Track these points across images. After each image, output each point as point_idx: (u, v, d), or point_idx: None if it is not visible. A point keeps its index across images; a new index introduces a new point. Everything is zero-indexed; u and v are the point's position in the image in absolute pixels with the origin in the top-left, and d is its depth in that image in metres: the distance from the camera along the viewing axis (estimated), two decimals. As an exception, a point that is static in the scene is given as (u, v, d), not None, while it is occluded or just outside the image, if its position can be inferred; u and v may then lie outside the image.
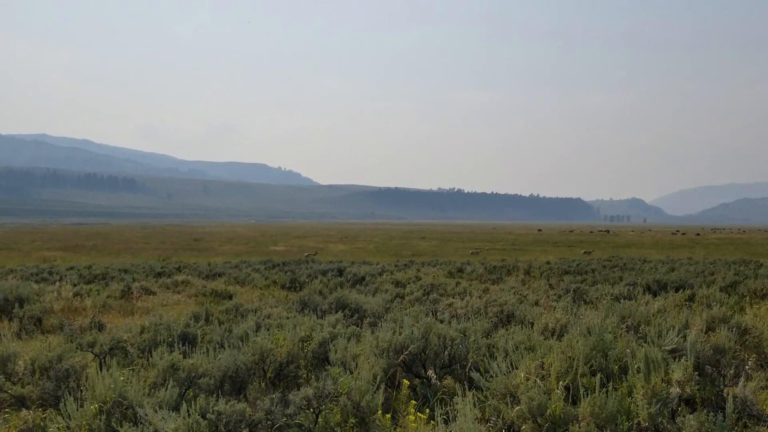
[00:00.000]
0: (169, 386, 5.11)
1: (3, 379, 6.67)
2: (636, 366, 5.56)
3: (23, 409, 6.13)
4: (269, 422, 4.79)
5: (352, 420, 5.07)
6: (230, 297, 16.17)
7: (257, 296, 16.86)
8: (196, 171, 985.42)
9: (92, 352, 7.33)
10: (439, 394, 6.35)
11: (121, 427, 4.47)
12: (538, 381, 5.50)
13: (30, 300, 12.70)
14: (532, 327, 8.58)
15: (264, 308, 11.71)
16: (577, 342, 6.37)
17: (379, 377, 5.70)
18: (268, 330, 8.40)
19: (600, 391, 4.99)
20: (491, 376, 5.89)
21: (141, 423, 4.53)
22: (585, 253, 45.47)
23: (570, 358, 6.01)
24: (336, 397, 5.22)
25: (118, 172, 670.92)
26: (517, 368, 5.96)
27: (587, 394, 5.03)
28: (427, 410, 5.40)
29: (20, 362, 7.38)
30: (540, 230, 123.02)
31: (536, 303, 12.90)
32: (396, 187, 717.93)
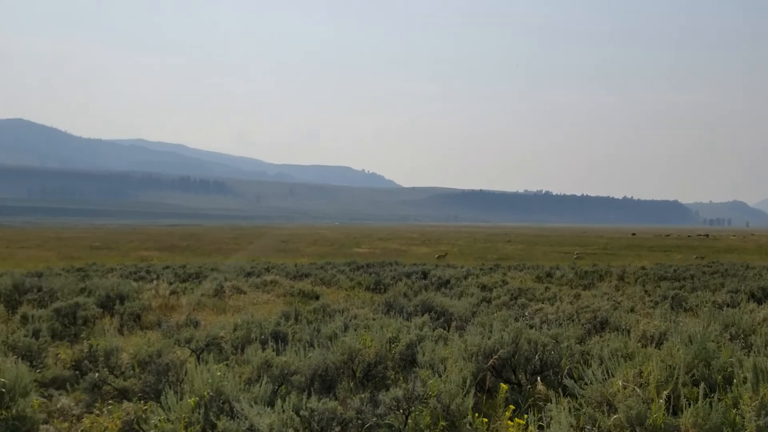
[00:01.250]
0: (263, 382, 5.27)
1: (106, 372, 7.08)
2: (743, 376, 5.27)
3: (125, 401, 6.48)
4: (359, 421, 4.85)
5: (443, 423, 5.06)
6: (317, 297, 16.49)
7: (343, 297, 17.13)
8: (283, 174, 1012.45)
9: (189, 348, 7.66)
10: (530, 400, 6.23)
11: (219, 420, 4.65)
12: (637, 389, 5.30)
13: (130, 297, 13.40)
14: (628, 334, 8.28)
15: (350, 309, 11.87)
16: (678, 350, 6.10)
17: (468, 381, 5.66)
18: (355, 330, 8.51)
19: (703, 402, 4.76)
20: (586, 384, 5.72)
21: (237, 417, 4.69)
22: (697, 258, 43.56)
23: (670, 366, 5.76)
24: (425, 399, 5.22)
25: (209, 176, 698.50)
26: (613, 376, 5.77)
27: (689, 404, 4.80)
28: (525, 415, 5.31)
29: (122, 356, 7.82)
30: (634, 234, 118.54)
31: (632, 310, 12.44)
32: (480, 189, 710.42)
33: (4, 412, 5.30)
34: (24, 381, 5.67)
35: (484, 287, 17.95)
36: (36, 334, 9.03)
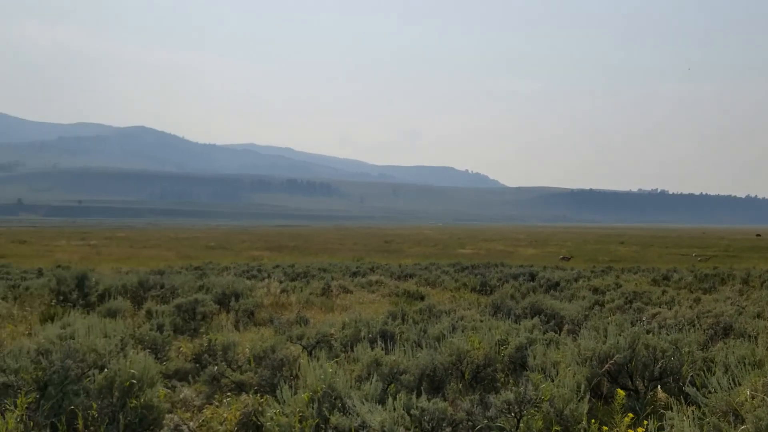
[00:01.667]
0: (374, 380, 5.36)
1: (224, 366, 7.44)
2: None
3: (242, 393, 6.78)
4: (470, 423, 4.82)
5: (556, 428, 4.94)
6: (422, 298, 16.55)
7: (448, 298, 17.10)
8: (386, 175, 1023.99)
9: (301, 345, 7.91)
10: (649, 408, 5.96)
11: (332, 415, 4.78)
12: (767, 399, 4.94)
13: (244, 295, 14.00)
14: (755, 341, 7.74)
15: (457, 310, 11.82)
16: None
17: (583, 386, 5.50)
18: (462, 332, 8.47)
19: None
20: (709, 392, 5.41)
21: (349, 413, 4.79)
22: None
23: (806, 377, 5.33)
24: (537, 403, 5.11)
25: (315, 178, 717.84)
26: (740, 385, 5.41)
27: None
28: (645, 422, 5.09)
29: (239, 351, 8.19)
30: (759, 235, 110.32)
31: (758, 315, 11.61)
32: (590, 189, 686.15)
33: (134, 401, 5.69)
34: (151, 372, 6.06)
35: (596, 290, 17.37)
36: (160, 328, 9.63)
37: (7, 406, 5.40)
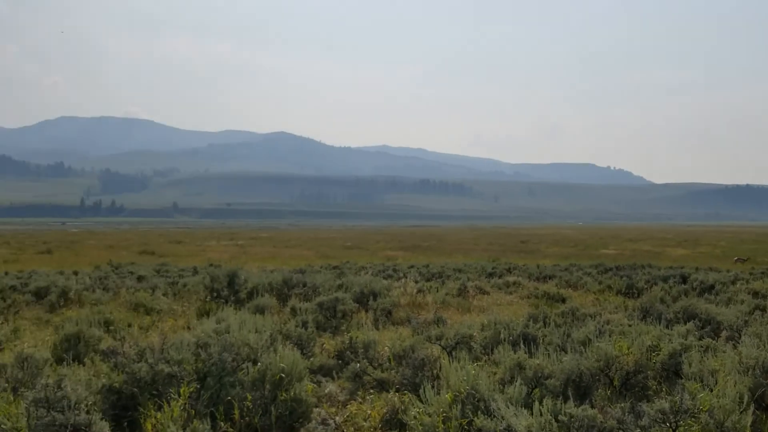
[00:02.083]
0: (517, 384, 5.27)
1: (366, 363, 7.63)
2: None
3: (384, 391, 6.93)
4: (620, 431, 4.61)
5: (717, 441, 4.60)
6: (563, 300, 16.06)
7: (591, 301, 16.46)
8: (520, 174, 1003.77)
9: (440, 345, 7.95)
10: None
11: (476, 417, 4.76)
12: None
13: (381, 294, 14.29)
14: None
15: (602, 314, 11.35)
16: None
17: (746, 397, 5.09)
18: (609, 336, 8.12)
19: None
20: None
21: (493, 416, 4.75)
22: None
23: None
24: (695, 413, 4.79)
25: (448, 177, 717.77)
26: None
27: None
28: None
29: (379, 349, 8.38)
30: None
31: None
32: (746, 184, 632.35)
33: (283, 394, 5.99)
34: (299, 367, 6.34)
35: (756, 294, 15.97)
36: (304, 325, 10.06)
37: (172, 395, 5.86)
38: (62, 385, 5.10)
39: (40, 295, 15.80)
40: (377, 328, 11.12)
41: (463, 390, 5.18)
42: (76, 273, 23.16)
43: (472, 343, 8.12)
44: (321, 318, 11.73)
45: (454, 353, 7.72)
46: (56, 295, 15.26)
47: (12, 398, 5.81)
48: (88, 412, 5.07)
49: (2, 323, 12.05)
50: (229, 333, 7.40)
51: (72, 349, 8.69)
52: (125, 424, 5.76)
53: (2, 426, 5.03)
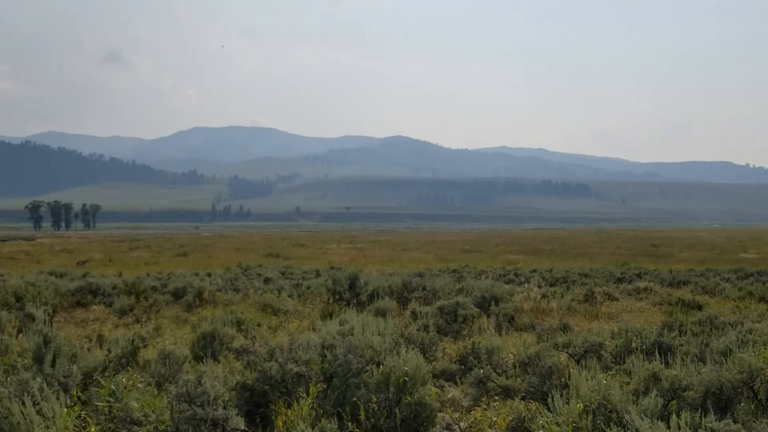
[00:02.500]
0: (653, 395, 5.02)
1: (490, 369, 7.55)
2: None
3: (509, 398, 6.82)
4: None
5: None
6: (699, 307, 15.09)
7: (730, 308, 15.37)
8: (650, 173, 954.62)
9: (567, 353, 7.72)
10: None
11: (608, 429, 4.58)
12: None
13: (503, 299, 14.08)
14: None
15: (744, 322, 10.56)
16: None
17: None
18: (753, 346, 7.54)
19: None
20: None
21: (627, 428, 4.56)
22: None
23: None
24: None
25: (571, 178, 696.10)
26: None
27: None
28: None
29: (503, 355, 8.26)
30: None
31: None
32: None
33: (408, 397, 6.05)
34: (422, 371, 6.39)
35: None
36: (425, 328, 10.11)
37: (300, 394, 6.09)
38: (202, 382, 5.44)
39: (177, 295, 16.93)
40: (500, 334, 10.97)
41: (593, 400, 5.00)
42: (209, 275, 24.60)
43: (602, 352, 7.83)
44: (442, 322, 11.73)
45: (582, 362, 7.47)
46: (192, 296, 16.29)
47: (156, 392, 6.27)
48: (224, 408, 5.38)
49: (146, 321, 13.05)
50: (352, 335, 7.58)
51: (208, 347, 9.24)
52: (258, 420, 6.04)
53: (148, 418, 5.43)
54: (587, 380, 5.26)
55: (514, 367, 7.67)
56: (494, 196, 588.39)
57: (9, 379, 5.36)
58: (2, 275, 23.02)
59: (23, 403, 4.85)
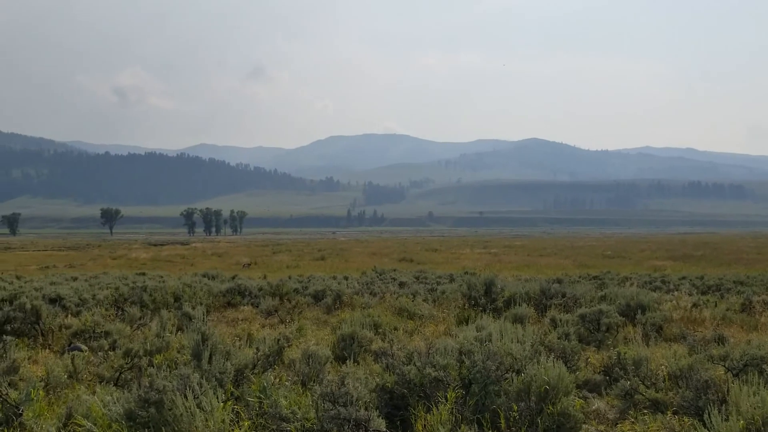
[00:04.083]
0: (829, 417, 4.54)
1: (638, 381, 7.18)
2: None
3: (659, 413, 6.44)
4: None
5: None
6: None
7: None
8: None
9: (724, 366, 7.18)
10: None
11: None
12: None
13: (650, 307, 13.32)
14: None
15: None
16: None
17: None
18: None
19: None
20: None
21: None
22: None
23: None
24: None
25: (723, 179, 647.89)
26: None
27: None
28: None
29: (651, 367, 7.82)
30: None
31: None
32: None
33: (550, 407, 5.89)
34: (565, 381, 6.19)
35: None
36: (566, 336, 9.79)
37: (439, 398, 6.11)
38: (345, 382, 5.61)
39: (317, 297, 17.59)
40: (647, 344, 10.39)
41: (757, 418, 4.61)
42: (346, 278, 25.35)
43: (765, 366, 7.18)
44: (583, 331, 11.31)
45: (741, 376, 6.91)
46: (331, 298, 16.85)
47: (301, 390, 6.54)
48: (366, 409, 5.51)
49: (289, 322, 13.66)
50: (490, 342, 7.50)
51: (347, 348, 9.52)
52: (398, 422, 6.13)
53: (295, 415, 5.68)
54: (749, 396, 4.85)
55: (664, 379, 7.25)
56: (637, 199, 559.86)
57: (172, 373, 5.82)
58: (162, 277, 25.04)
59: (185, 397, 5.24)
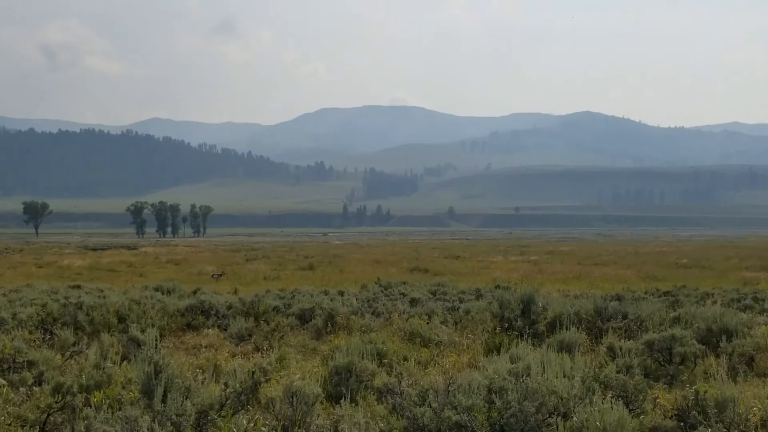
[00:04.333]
0: None
1: (721, 428, 7.17)
2: None
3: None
4: None
5: None
6: None
7: None
8: None
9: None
10: None
11: None
12: None
13: (738, 333, 13.32)
14: None
15: None
16: None
17: None
18: None
19: None
20: None
21: None
22: None
23: None
24: None
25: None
26: None
27: None
28: None
29: (740, 410, 7.81)
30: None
31: None
32: None
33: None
34: (626, 428, 6.21)
35: None
36: (628, 370, 9.79)
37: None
38: (339, 429, 5.62)
39: (304, 318, 17.64)
40: (734, 381, 10.39)
41: None
42: (341, 293, 25.38)
43: None
44: (650, 362, 11.34)
45: None
46: (322, 319, 16.90)
47: (283, 439, 6.55)
48: (367, 463, 5.52)
49: (267, 349, 13.70)
50: (529, 376, 7.51)
51: (343, 384, 9.55)
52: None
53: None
54: None
55: (757, 427, 7.25)
56: (722, 191, 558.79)
57: (115, 415, 5.84)
58: (102, 291, 25.16)
59: (132, 446, 5.25)
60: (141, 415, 5.76)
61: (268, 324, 16.46)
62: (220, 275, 44.27)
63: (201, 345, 15.08)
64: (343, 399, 7.96)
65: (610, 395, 7.53)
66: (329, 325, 16.79)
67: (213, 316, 17.98)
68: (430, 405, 6.93)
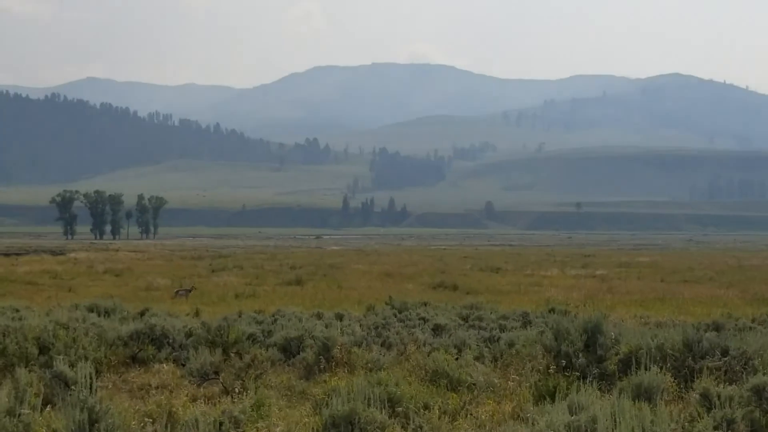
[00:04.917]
0: None
1: None
2: None
3: None
4: None
5: None
6: None
7: None
8: None
9: None
10: None
11: None
12: None
13: None
14: None
15: None
16: None
17: None
18: None
19: None
20: None
21: None
22: None
23: None
24: None
25: None
26: None
27: None
28: None
29: None
30: None
31: None
32: None
33: None
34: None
35: None
36: (729, 425, 9.78)
37: None
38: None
39: (289, 350, 17.64)
40: None
41: None
42: (340, 317, 25.35)
43: None
44: (759, 415, 11.30)
45: None
46: (314, 352, 16.88)
47: None
48: None
49: (239, 392, 13.70)
50: (594, 432, 7.51)
51: (342, 441, 9.55)
52: None
53: None
54: None
55: None
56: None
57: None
58: (17, 311, 25.14)
59: None
60: (70, 479, 5.76)
61: (240, 358, 16.47)
62: (189, 291, 43.45)
63: (150, 385, 15.10)
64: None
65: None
66: (323, 359, 16.78)
67: (167, 346, 18.00)
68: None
